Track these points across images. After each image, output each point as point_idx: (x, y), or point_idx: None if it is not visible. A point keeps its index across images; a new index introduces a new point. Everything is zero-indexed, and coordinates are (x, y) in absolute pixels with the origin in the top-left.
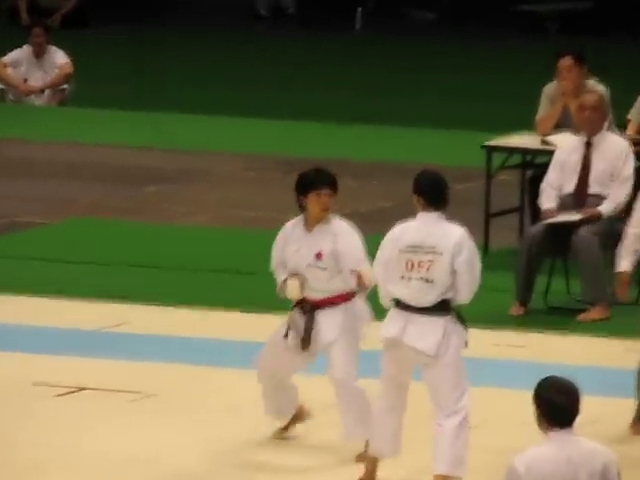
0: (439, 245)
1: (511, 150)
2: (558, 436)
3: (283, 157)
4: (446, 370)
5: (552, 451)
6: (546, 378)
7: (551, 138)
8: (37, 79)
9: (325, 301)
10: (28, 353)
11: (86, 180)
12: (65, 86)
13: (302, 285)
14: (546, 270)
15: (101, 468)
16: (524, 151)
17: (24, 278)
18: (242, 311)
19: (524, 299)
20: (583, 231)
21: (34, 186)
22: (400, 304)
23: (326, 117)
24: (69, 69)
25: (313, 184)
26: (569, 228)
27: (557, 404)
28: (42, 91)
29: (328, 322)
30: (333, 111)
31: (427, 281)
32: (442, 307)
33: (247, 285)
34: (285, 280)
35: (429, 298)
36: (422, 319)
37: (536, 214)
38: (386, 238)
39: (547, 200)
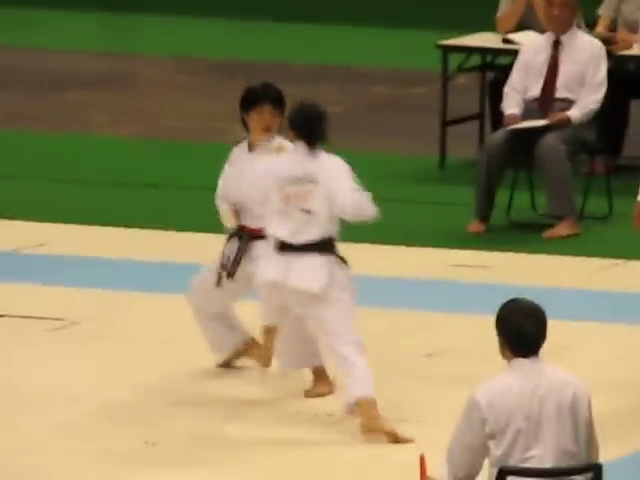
0: (316, 176)
1: (469, 50)
2: (523, 365)
3: (217, 60)
4: (336, 306)
5: (516, 381)
6: (509, 301)
7: (514, 36)
8: None
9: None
10: None
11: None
12: None
13: (237, 212)
14: (508, 183)
15: (20, 404)
16: (484, 51)
17: None
18: (176, 230)
19: (484, 215)
20: (549, 139)
21: None
22: (280, 244)
23: (265, 15)
24: None
25: (255, 101)
26: (534, 136)
27: (521, 329)
28: None
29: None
30: (273, 8)
31: (308, 212)
32: (325, 246)
33: (180, 201)
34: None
35: (313, 232)
36: (304, 258)
37: (497, 121)
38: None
39: (510, 105)
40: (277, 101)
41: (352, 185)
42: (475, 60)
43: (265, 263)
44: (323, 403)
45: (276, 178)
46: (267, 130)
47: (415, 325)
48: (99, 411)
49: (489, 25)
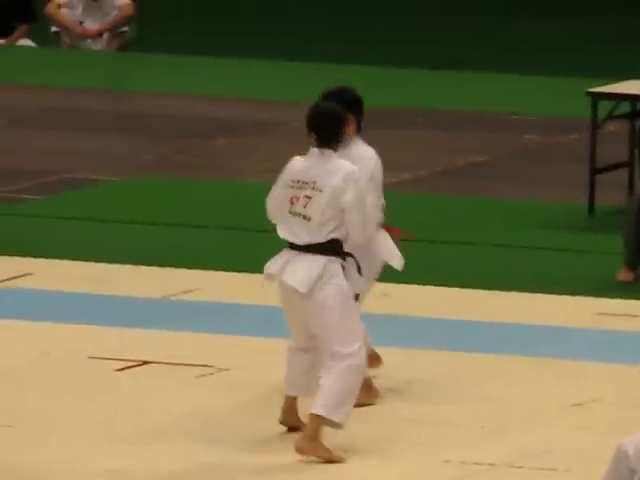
0: (319, 182)
1: (619, 97)
2: None
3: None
4: (325, 312)
5: None
6: None
7: None
8: (94, 21)
9: None
10: (85, 324)
11: (149, 133)
12: (125, 29)
13: None
14: None
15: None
16: (634, 98)
17: (81, 241)
18: None
19: (634, 263)
20: None
21: (93, 139)
22: (289, 243)
23: (417, 63)
24: (130, 11)
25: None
26: None
27: None
28: (100, 34)
29: None
30: (424, 57)
31: (304, 218)
32: (328, 247)
33: None
34: None
35: (307, 237)
36: (303, 257)
37: None
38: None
39: None
40: (349, 106)
41: (361, 213)
42: (625, 107)
43: (273, 258)
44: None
45: (286, 178)
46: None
47: (565, 374)
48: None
49: (638, 71)
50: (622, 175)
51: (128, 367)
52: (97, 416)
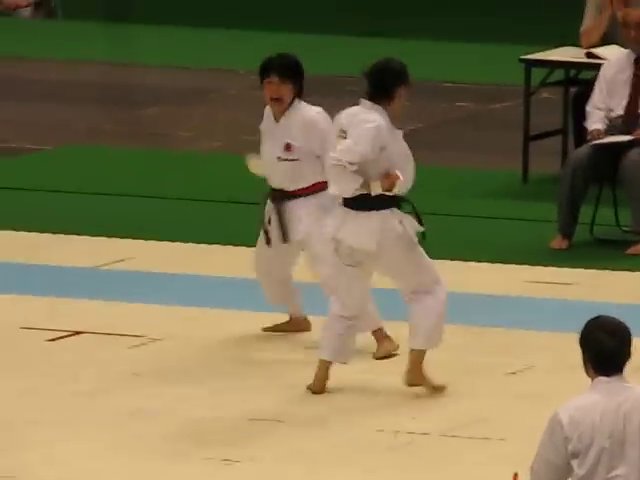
0: (346, 127)
1: (553, 64)
2: (606, 383)
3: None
4: (400, 261)
5: (599, 399)
6: (593, 319)
7: (598, 50)
8: None
9: (298, 191)
10: (17, 294)
11: (80, 101)
12: (53, 2)
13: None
14: (592, 199)
15: (97, 419)
16: (567, 65)
17: (15, 210)
18: (250, 245)
19: (568, 231)
20: (634, 154)
21: (22, 109)
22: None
23: (350, 31)
24: None
25: (262, 71)
26: (618, 151)
27: (605, 347)
28: (28, 5)
29: (301, 212)
30: (358, 25)
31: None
32: (375, 200)
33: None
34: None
35: (350, 186)
36: (358, 214)
37: (581, 136)
38: None
39: (594, 121)
40: (282, 70)
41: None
42: (558, 75)
43: (330, 218)
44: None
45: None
46: (274, 100)
47: (499, 342)
48: (178, 428)
49: (573, 39)
50: (556, 143)
51: (60, 337)
52: (27, 386)
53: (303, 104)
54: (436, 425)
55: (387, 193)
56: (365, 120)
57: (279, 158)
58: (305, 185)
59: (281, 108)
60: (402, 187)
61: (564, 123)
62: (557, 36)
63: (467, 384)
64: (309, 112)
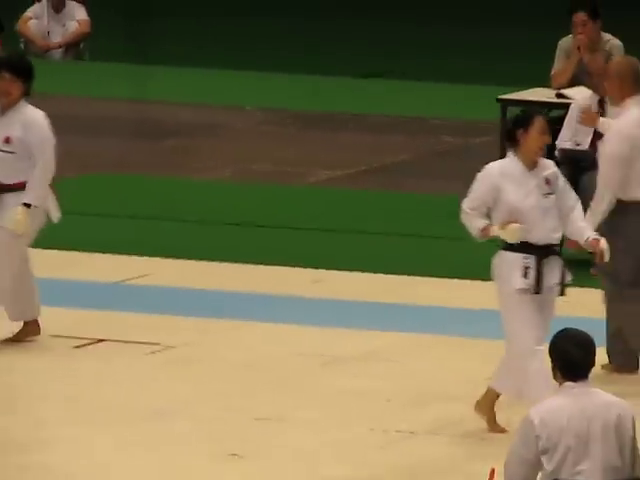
0: None
1: (526, 104)
2: (572, 388)
3: (301, 111)
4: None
5: (566, 403)
6: (561, 331)
7: (567, 91)
8: (56, 34)
9: (13, 185)
10: (47, 306)
11: (104, 134)
12: (81, 45)
13: None
14: None
15: (110, 417)
16: (539, 104)
17: (49, 231)
18: (256, 263)
19: None
20: (591, 175)
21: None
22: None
23: (344, 72)
24: (87, 28)
25: None
26: (580, 170)
27: (572, 357)
28: (60, 47)
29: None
30: (351, 66)
31: None
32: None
33: (268, 238)
34: None
35: None
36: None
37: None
38: None
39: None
40: (11, 67)
41: None
42: None
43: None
44: None
45: None
46: (2, 94)
47: (477, 351)
48: (190, 426)
49: (544, 81)
50: None
51: (85, 345)
52: (56, 388)
53: (29, 105)
54: (422, 425)
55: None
56: None
57: None
58: (19, 180)
59: (10, 104)
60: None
61: None
62: (530, 78)
63: (449, 389)
64: (33, 112)
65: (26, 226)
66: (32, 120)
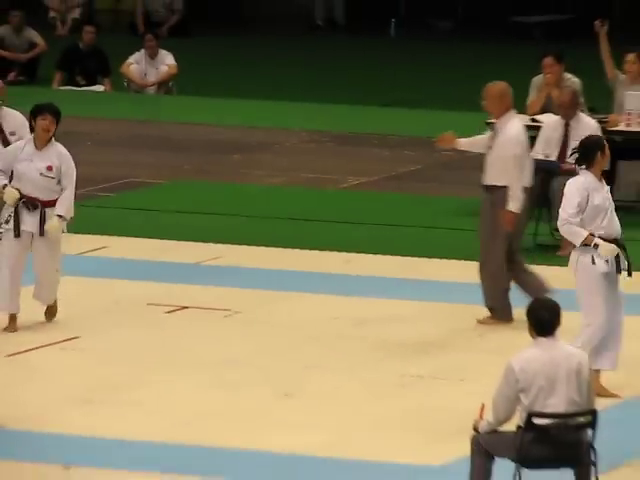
0: None
1: None
2: (543, 342)
3: (336, 132)
4: None
5: (539, 353)
6: (535, 298)
7: (539, 117)
8: (151, 75)
9: (51, 202)
10: (145, 281)
11: (187, 150)
12: (170, 83)
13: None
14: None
15: (200, 367)
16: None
17: (140, 224)
18: (302, 248)
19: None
20: (559, 181)
21: (148, 155)
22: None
23: (369, 102)
24: (175, 70)
25: (37, 111)
26: (550, 177)
27: (543, 318)
28: (154, 84)
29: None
30: (375, 97)
31: None
32: None
33: (306, 230)
34: (4, 187)
35: None
36: None
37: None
38: None
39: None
40: (52, 111)
41: None
42: None
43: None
44: None
45: None
46: (46, 131)
47: (473, 314)
48: (254, 371)
49: (521, 109)
50: None
51: (173, 310)
52: (149, 342)
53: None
54: (428, 371)
55: None
56: None
57: (42, 174)
58: (53, 198)
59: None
60: None
61: None
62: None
63: (448, 342)
64: (62, 147)
65: (60, 232)
66: (64, 153)
